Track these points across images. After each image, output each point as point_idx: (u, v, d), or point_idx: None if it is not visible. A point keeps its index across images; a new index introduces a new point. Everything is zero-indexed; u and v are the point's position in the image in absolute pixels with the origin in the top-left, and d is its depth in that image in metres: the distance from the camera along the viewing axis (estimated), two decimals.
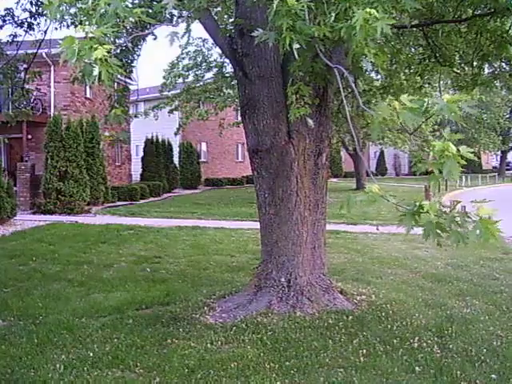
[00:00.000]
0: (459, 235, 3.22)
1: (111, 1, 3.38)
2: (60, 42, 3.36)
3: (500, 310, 6.98)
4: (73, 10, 3.70)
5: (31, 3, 10.55)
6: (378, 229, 6.23)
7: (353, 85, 3.85)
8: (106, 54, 3.27)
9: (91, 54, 3.24)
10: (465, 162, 3.13)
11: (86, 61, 3.31)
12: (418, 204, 3.33)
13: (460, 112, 3.09)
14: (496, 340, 5.79)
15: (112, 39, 3.65)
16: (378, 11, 3.28)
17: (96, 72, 3.28)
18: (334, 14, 3.65)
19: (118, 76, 3.48)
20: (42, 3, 10.05)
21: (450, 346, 5.60)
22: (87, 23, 3.55)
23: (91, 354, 5.38)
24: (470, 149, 3.13)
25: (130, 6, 3.47)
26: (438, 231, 3.27)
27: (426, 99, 3.21)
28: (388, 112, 3.22)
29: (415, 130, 3.20)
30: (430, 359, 5.22)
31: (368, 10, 3.25)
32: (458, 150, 3.10)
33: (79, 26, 3.50)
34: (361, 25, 3.27)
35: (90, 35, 3.32)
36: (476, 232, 3.12)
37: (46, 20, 10.77)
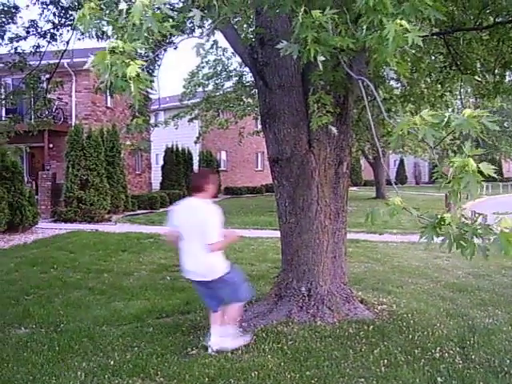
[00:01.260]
0: (476, 247, 3.20)
1: (144, 16, 3.40)
2: (88, 56, 3.40)
3: None
4: (102, 23, 3.73)
5: (54, 14, 10.70)
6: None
7: (376, 94, 3.85)
8: (138, 70, 3.29)
9: (124, 69, 3.27)
10: (483, 179, 3.10)
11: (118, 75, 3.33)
12: (439, 216, 3.31)
13: (480, 126, 3.07)
14: None
15: (138, 52, 3.69)
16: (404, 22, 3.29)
17: (132, 89, 3.31)
18: (365, 26, 3.65)
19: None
20: (65, 14, 10.19)
21: (473, 356, 5.54)
22: (115, 37, 3.59)
23: (112, 362, 5.40)
24: (490, 165, 3.11)
25: (159, 16, 3.49)
26: (462, 242, 3.24)
27: (446, 114, 3.19)
28: (408, 127, 3.21)
29: (436, 144, 3.20)
30: (452, 370, 5.16)
31: (399, 21, 3.25)
32: (478, 167, 3.08)
33: (110, 40, 3.53)
34: (393, 36, 3.27)
35: (120, 49, 3.34)
36: (496, 245, 3.10)
37: (68, 31, 10.92)
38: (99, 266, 10.88)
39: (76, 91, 24.78)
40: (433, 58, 9.83)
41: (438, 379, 4.96)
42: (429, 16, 3.47)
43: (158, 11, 3.50)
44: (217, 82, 22.94)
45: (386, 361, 5.37)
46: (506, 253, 3.08)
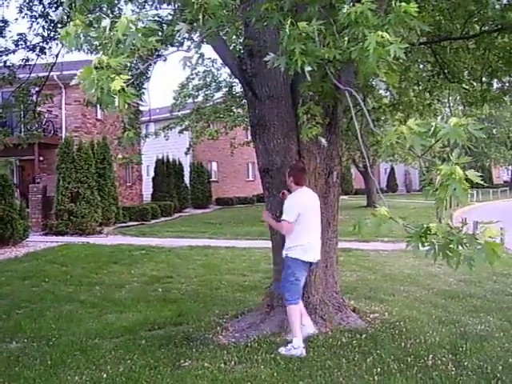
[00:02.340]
0: (462, 257, 3.23)
1: (127, 31, 3.43)
2: (76, 70, 3.43)
3: None
4: (88, 38, 3.76)
5: (43, 28, 10.72)
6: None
7: (362, 104, 3.88)
8: (123, 84, 3.32)
9: (109, 84, 3.30)
10: (470, 186, 3.14)
11: (104, 90, 3.36)
12: (425, 226, 3.34)
13: (466, 135, 3.10)
14: (511, 357, 5.74)
15: (126, 66, 3.71)
16: (388, 33, 3.33)
17: (117, 103, 3.34)
18: (347, 38, 3.69)
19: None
20: (54, 28, 10.22)
21: (465, 363, 5.56)
22: (101, 51, 3.62)
23: (105, 375, 5.38)
24: (477, 173, 3.15)
25: (143, 31, 3.52)
26: (447, 252, 3.28)
27: (433, 123, 3.23)
28: (395, 137, 3.24)
29: (424, 153, 3.20)
30: (445, 377, 5.18)
31: (380, 33, 3.29)
32: (465, 174, 3.11)
33: (95, 56, 3.57)
34: (374, 48, 3.31)
35: (107, 64, 3.37)
36: (481, 255, 3.13)
37: (57, 44, 10.94)
38: (91, 279, 10.85)
39: (66, 104, 24.77)
40: (421, 66, 9.92)
41: None
42: (414, 27, 3.52)
43: (144, 26, 3.53)
44: (207, 92, 22.99)
45: (378, 369, 5.38)
46: (489, 263, 3.12)
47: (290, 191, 6.31)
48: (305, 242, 6.09)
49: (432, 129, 3.19)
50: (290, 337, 6.05)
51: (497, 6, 7.49)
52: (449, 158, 3.18)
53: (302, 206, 6.15)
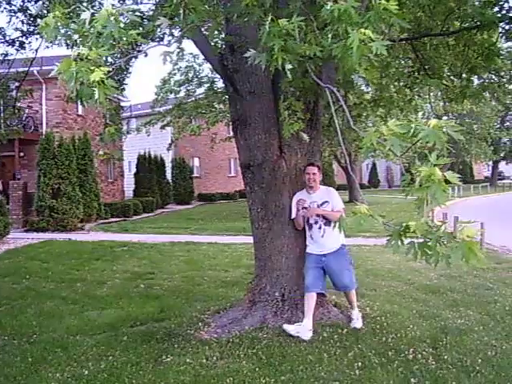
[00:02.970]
0: (441, 256, 3.26)
1: (107, 23, 3.42)
2: (56, 64, 3.40)
3: (494, 320, 7.01)
4: (68, 32, 3.73)
5: (22, 22, 10.62)
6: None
7: (342, 102, 3.90)
8: (103, 76, 3.30)
9: (89, 76, 3.28)
10: (449, 187, 3.18)
11: (83, 82, 3.34)
12: (404, 224, 3.37)
13: (445, 138, 3.13)
14: (491, 350, 5.81)
15: (107, 59, 3.70)
16: (369, 30, 3.34)
17: (96, 95, 3.32)
18: (330, 35, 3.70)
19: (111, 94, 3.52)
20: (33, 22, 10.13)
21: (445, 356, 5.62)
22: (81, 44, 3.59)
23: (86, 372, 5.37)
24: (455, 174, 3.18)
25: (123, 25, 3.50)
26: (426, 250, 3.31)
27: (412, 125, 3.25)
28: (375, 138, 3.26)
29: (402, 153, 3.23)
30: (426, 371, 5.23)
31: (363, 30, 3.31)
32: (444, 176, 3.14)
33: (75, 48, 3.55)
34: (357, 45, 3.33)
35: (86, 57, 3.35)
36: (459, 253, 3.17)
37: (37, 38, 10.85)
38: (72, 276, 10.79)
39: (46, 99, 24.57)
40: (401, 62, 9.96)
41: (412, 380, 5.02)
42: (394, 24, 3.54)
43: (126, 18, 3.52)
44: (188, 88, 22.92)
45: (360, 363, 5.42)
46: (466, 260, 3.15)
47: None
48: None
49: (412, 130, 3.21)
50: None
51: (476, 3, 7.56)
52: (429, 155, 3.21)
53: None
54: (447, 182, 3.15)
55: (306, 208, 6.55)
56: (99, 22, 3.43)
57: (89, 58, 3.35)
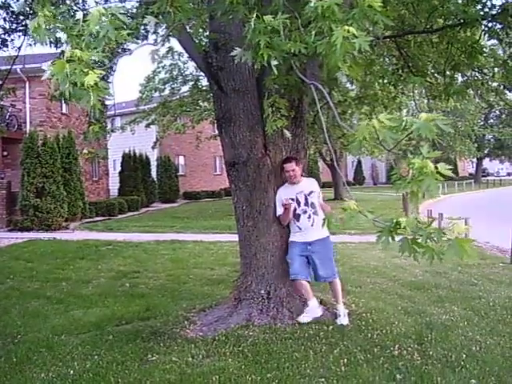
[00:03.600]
0: (434, 252, 3.28)
1: (101, 24, 3.40)
2: (41, 63, 3.38)
3: (478, 316, 7.05)
4: (56, 31, 3.71)
5: (5, 20, 10.53)
6: None
7: (328, 98, 3.90)
8: (96, 79, 3.29)
9: (82, 78, 3.26)
10: (442, 179, 3.20)
11: (76, 84, 3.32)
12: (394, 220, 3.38)
13: (436, 131, 3.15)
14: (475, 345, 5.85)
15: (95, 60, 3.68)
16: (353, 27, 3.35)
17: (93, 99, 3.31)
18: (314, 32, 3.70)
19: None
20: (15, 19, 10.05)
21: (430, 352, 5.64)
22: (72, 45, 3.56)
23: (71, 372, 5.34)
24: (447, 166, 3.20)
25: (116, 24, 3.48)
26: (415, 247, 3.33)
27: (404, 117, 3.27)
28: (368, 131, 3.27)
29: (394, 146, 3.25)
30: (411, 366, 5.25)
31: (346, 27, 3.32)
32: (436, 167, 3.16)
33: (63, 47, 3.54)
34: (341, 42, 3.34)
35: (79, 58, 3.33)
36: (452, 250, 3.19)
37: (19, 36, 10.77)
38: (57, 275, 10.73)
39: (30, 97, 24.40)
40: (386, 60, 9.99)
41: (397, 376, 5.04)
42: (378, 21, 3.55)
43: (114, 18, 3.49)
44: (173, 86, 22.85)
45: (345, 360, 5.43)
46: (460, 257, 3.19)
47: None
48: None
49: (403, 123, 3.23)
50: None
51: (459, 1, 7.60)
52: (415, 151, 3.23)
53: None
54: (439, 174, 3.17)
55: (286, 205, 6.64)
56: (92, 22, 3.41)
57: (82, 59, 3.33)
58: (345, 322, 6.60)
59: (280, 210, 6.69)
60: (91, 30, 3.41)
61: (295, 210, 6.68)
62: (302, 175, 6.78)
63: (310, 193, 6.71)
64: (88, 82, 3.25)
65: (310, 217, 6.68)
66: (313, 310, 6.60)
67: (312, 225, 6.66)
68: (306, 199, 6.69)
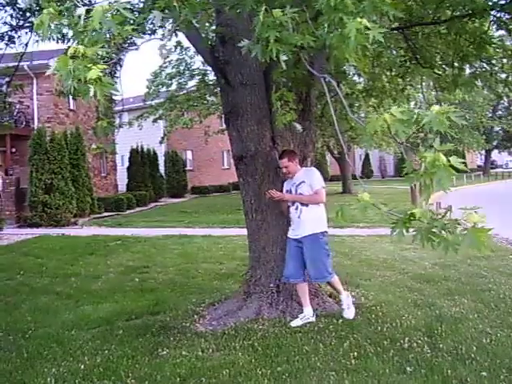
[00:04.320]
0: (449, 243, 3.26)
1: (103, 19, 3.39)
2: (47, 59, 3.38)
3: (488, 308, 7.03)
4: (61, 28, 3.70)
5: (11, 16, 10.53)
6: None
7: (338, 90, 3.89)
8: (100, 74, 3.28)
9: (86, 74, 3.25)
10: (455, 172, 3.17)
11: (80, 80, 3.32)
12: (408, 212, 3.36)
13: (448, 123, 3.13)
14: (485, 337, 5.83)
15: (101, 55, 3.67)
16: (364, 19, 3.33)
17: (92, 93, 3.30)
18: (326, 25, 3.68)
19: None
20: (22, 16, 10.05)
21: (440, 345, 5.63)
22: (76, 41, 3.56)
23: (82, 367, 5.36)
24: (459, 159, 3.17)
25: (119, 19, 3.47)
26: (431, 237, 3.30)
27: (415, 110, 3.24)
28: (379, 125, 3.25)
29: (406, 139, 3.23)
30: (421, 359, 5.24)
31: (359, 19, 3.30)
32: (449, 160, 3.14)
33: (68, 43, 3.54)
34: (355, 35, 3.32)
35: (83, 54, 3.32)
36: (467, 241, 3.16)
37: (26, 33, 10.77)
38: (66, 271, 10.77)
39: (37, 94, 24.44)
40: (393, 52, 9.93)
41: (407, 369, 5.03)
42: (387, 13, 3.53)
43: (118, 14, 3.48)
44: (180, 81, 22.80)
45: (355, 353, 5.43)
46: (476, 249, 3.15)
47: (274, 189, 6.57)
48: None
49: (415, 116, 3.21)
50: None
51: None
52: (424, 143, 3.21)
53: None
54: (452, 167, 3.14)
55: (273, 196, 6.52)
56: (95, 18, 3.40)
57: (85, 55, 3.32)
58: (350, 315, 6.49)
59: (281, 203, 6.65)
60: (94, 25, 3.40)
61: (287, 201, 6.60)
62: (302, 165, 6.69)
63: (300, 183, 6.49)
64: (91, 77, 3.24)
65: (297, 208, 6.49)
66: (306, 318, 6.41)
67: (299, 216, 6.46)
68: (296, 190, 6.52)
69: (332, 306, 6.97)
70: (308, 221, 6.37)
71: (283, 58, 3.74)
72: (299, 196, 6.46)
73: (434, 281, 8.68)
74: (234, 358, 5.42)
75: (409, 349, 5.55)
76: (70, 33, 3.88)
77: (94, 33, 3.44)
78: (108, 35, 3.47)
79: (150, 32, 8.62)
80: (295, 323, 6.32)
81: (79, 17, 3.53)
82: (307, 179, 6.49)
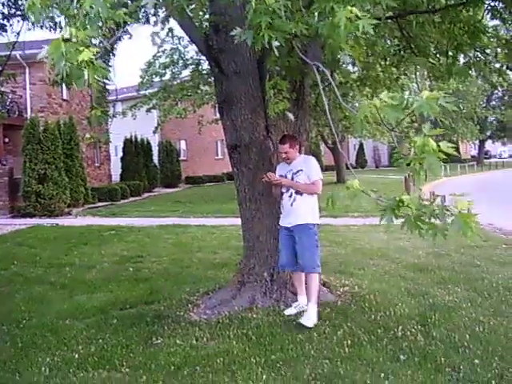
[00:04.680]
0: (436, 229, 3.26)
1: (95, 2, 3.36)
2: (41, 47, 3.34)
3: (482, 297, 7.07)
4: (55, 13, 3.68)
5: (3, 4, 10.47)
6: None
7: (331, 79, 3.88)
8: (92, 56, 3.25)
9: (77, 56, 3.22)
10: (445, 157, 3.16)
11: (73, 63, 3.29)
12: (398, 198, 3.36)
13: (438, 109, 3.12)
14: (478, 326, 5.86)
15: (95, 41, 3.65)
16: (356, 8, 3.32)
17: (86, 76, 3.27)
18: (316, 13, 3.66)
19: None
20: (14, 4, 9.99)
21: (434, 333, 5.66)
22: (68, 26, 3.53)
23: (76, 356, 5.36)
24: (449, 144, 3.17)
25: (111, 2, 3.44)
26: (419, 224, 3.30)
27: (405, 96, 3.24)
28: (369, 110, 3.24)
29: (397, 125, 3.22)
30: (414, 347, 5.27)
31: (349, 8, 3.29)
32: (438, 146, 3.14)
33: (60, 30, 3.51)
34: (344, 23, 3.30)
35: (76, 36, 3.30)
36: (455, 226, 3.17)
37: (18, 21, 10.72)
38: (61, 260, 10.75)
39: (30, 83, 24.31)
40: (387, 41, 9.90)
41: (401, 357, 5.06)
42: (381, 2, 3.52)
43: None
44: (174, 70, 22.70)
45: (349, 341, 5.45)
46: (463, 233, 3.16)
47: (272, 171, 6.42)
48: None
49: (405, 102, 3.20)
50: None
51: None
52: (419, 132, 3.20)
53: None
54: (442, 153, 3.14)
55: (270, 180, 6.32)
56: (87, 1, 3.38)
57: (77, 39, 3.30)
58: (310, 323, 5.92)
59: (273, 188, 6.50)
60: (86, 7, 3.37)
61: (281, 187, 6.40)
62: (300, 153, 6.50)
63: (298, 171, 6.26)
64: (83, 59, 3.21)
65: (291, 195, 6.26)
66: (300, 307, 6.28)
67: (292, 204, 6.25)
68: (292, 178, 6.29)
69: (326, 295, 6.98)
70: (300, 210, 6.22)
71: (275, 44, 3.72)
72: (296, 183, 6.26)
73: (428, 270, 8.72)
74: (228, 346, 5.43)
75: (402, 337, 5.58)
76: (63, 21, 3.86)
77: (85, 16, 3.42)
78: (100, 21, 3.44)
79: (144, 20, 8.57)
80: (289, 312, 6.32)
81: (71, 0, 3.51)
82: (306, 168, 6.29)
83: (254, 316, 6.28)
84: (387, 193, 3.92)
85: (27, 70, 23.69)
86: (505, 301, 6.88)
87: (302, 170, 6.26)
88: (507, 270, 8.59)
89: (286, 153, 6.29)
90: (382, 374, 4.69)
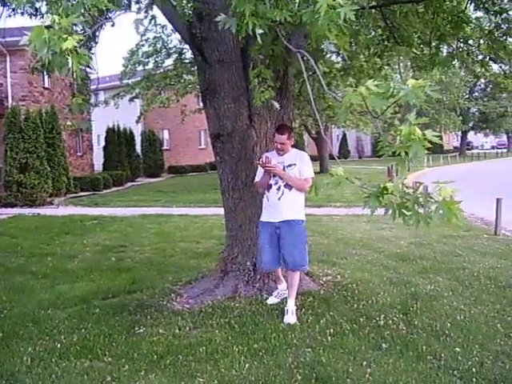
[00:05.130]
0: (420, 216, 3.27)
1: None
2: (24, 33, 3.28)
3: (463, 286, 7.13)
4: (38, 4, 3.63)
5: None
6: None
7: (316, 67, 3.86)
8: (75, 44, 3.21)
9: (60, 44, 3.17)
10: (430, 145, 3.17)
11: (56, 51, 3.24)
12: (381, 185, 3.37)
13: (424, 97, 3.12)
14: (459, 314, 5.92)
15: (77, 28, 3.60)
16: None
17: (70, 64, 3.22)
18: (298, 1, 3.65)
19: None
20: None
21: (415, 322, 5.70)
22: (49, 12, 3.49)
23: (59, 345, 5.33)
24: (434, 132, 3.18)
25: None
26: (404, 211, 3.31)
27: (391, 84, 3.23)
28: (355, 98, 3.22)
29: (382, 113, 3.20)
30: (396, 336, 5.30)
31: None
32: (424, 134, 3.14)
33: (41, 16, 3.46)
34: (325, 11, 3.29)
35: (58, 23, 3.25)
36: (439, 213, 3.18)
37: None
38: (42, 250, 10.68)
39: (11, 72, 23.99)
40: (371, 31, 9.91)
41: (383, 345, 5.09)
42: None
43: None
44: (157, 59, 22.58)
45: (332, 330, 5.47)
46: (448, 220, 3.16)
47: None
48: None
49: (391, 90, 3.19)
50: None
51: None
52: (403, 122, 3.21)
53: None
54: (427, 141, 3.15)
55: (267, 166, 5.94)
56: None
57: (60, 26, 3.25)
58: (292, 320, 5.81)
59: (258, 176, 6.19)
60: None
61: (269, 179, 6.07)
62: (292, 146, 6.24)
63: (290, 165, 6.02)
64: (66, 47, 3.17)
65: (279, 188, 6.00)
66: (281, 294, 6.37)
67: (279, 198, 5.99)
68: (284, 170, 6.00)
69: (308, 284, 7.00)
70: (289, 205, 5.99)
71: (259, 31, 3.70)
72: (290, 176, 5.98)
73: (410, 259, 8.77)
74: (210, 335, 5.43)
75: (384, 326, 5.61)
76: (44, 8, 3.81)
77: (68, 3, 3.37)
78: (83, 8, 3.40)
79: (124, 7, 8.47)
80: (271, 301, 6.33)
81: None
82: (299, 164, 6.03)
83: (237, 305, 6.29)
84: (371, 181, 3.93)
85: (8, 58, 23.38)
86: (485, 290, 6.94)
87: (295, 165, 6.01)
88: (488, 260, 8.67)
89: (282, 144, 6.03)
90: (365, 363, 4.71)
